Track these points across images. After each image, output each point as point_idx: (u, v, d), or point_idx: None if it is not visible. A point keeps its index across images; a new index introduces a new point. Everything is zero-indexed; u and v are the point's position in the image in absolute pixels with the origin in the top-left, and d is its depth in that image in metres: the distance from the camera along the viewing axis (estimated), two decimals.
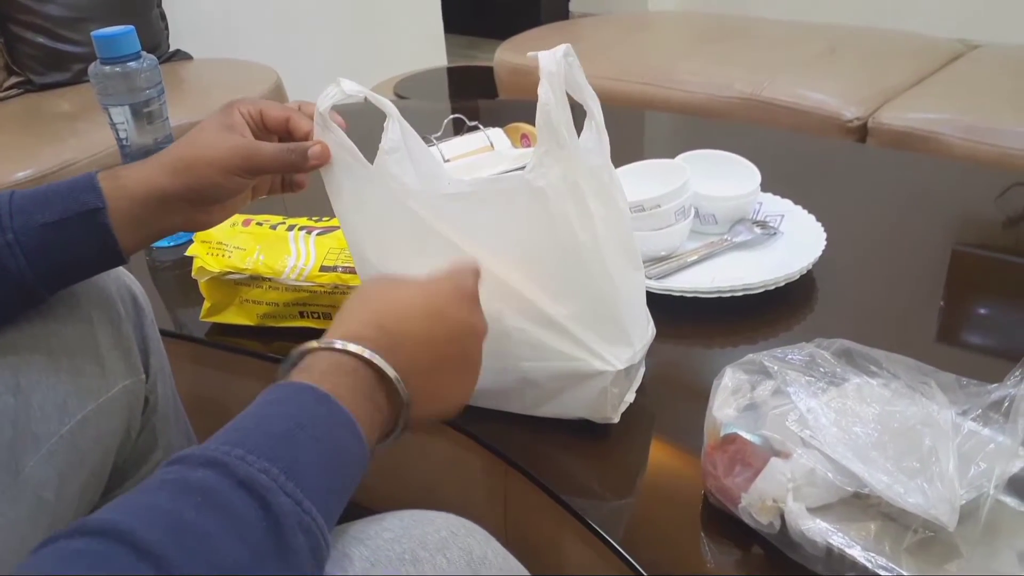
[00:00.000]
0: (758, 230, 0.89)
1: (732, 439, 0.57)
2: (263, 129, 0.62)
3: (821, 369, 0.57)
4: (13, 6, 1.83)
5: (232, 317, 0.83)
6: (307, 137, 0.61)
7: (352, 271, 0.78)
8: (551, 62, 0.59)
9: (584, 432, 0.66)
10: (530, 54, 0.59)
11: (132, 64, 0.94)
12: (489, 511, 0.75)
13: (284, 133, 0.63)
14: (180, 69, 2.05)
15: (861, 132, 1.45)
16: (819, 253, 0.83)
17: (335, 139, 0.61)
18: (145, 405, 0.70)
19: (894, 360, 0.57)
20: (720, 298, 0.79)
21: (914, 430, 0.52)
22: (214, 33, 2.26)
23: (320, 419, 0.41)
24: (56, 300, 0.60)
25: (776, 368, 0.56)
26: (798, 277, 0.81)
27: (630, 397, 0.67)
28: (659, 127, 1.43)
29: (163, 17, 2.09)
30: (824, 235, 0.85)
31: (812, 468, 0.51)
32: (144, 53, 0.96)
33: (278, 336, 0.83)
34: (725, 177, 0.92)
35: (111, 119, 0.96)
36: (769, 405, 0.56)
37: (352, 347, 0.45)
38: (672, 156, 0.93)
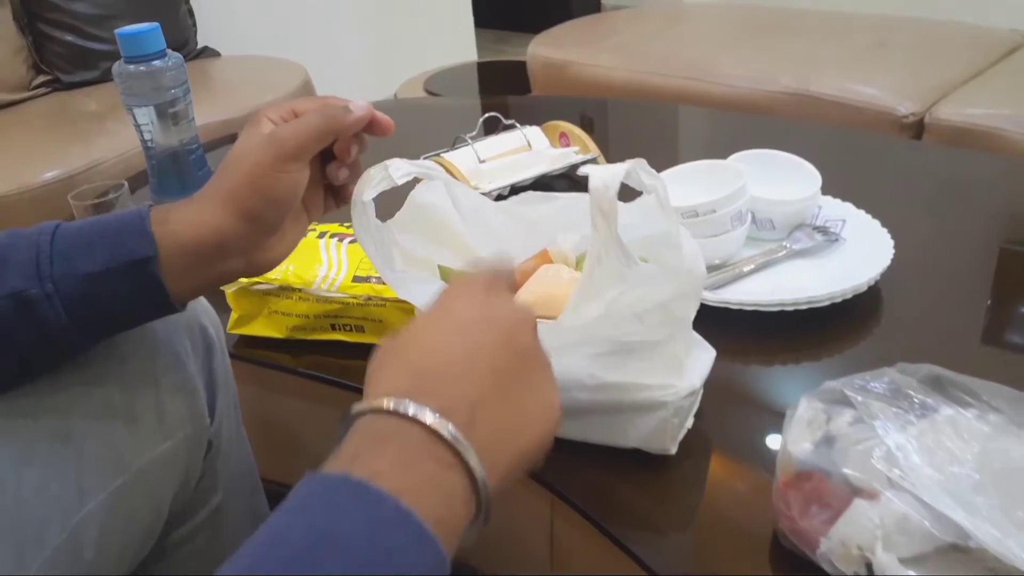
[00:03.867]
0: (819, 236, 0.83)
1: (808, 475, 0.51)
2: None
3: (908, 399, 0.51)
4: (41, 4, 1.82)
5: (260, 329, 0.79)
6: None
7: None
8: (603, 192, 0.48)
9: (638, 461, 0.61)
10: (582, 170, 0.51)
11: (157, 63, 0.90)
12: (534, 546, 0.70)
13: None
14: (208, 66, 2.02)
15: (917, 128, 1.38)
16: (888, 262, 0.76)
17: (383, 238, 0.56)
18: (208, 449, 0.64)
19: (992, 389, 0.51)
20: (782, 311, 0.73)
21: (1021, 472, 0.46)
22: (242, 30, 2.23)
23: (352, 520, 0.31)
24: (116, 336, 0.54)
25: (860, 399, 0.51)
26: (866, 289, 0.75)
27: (688, 423, 0.62)
28: (702, 124, 1.36)
29: (191, 14, 2.06)
30: (891, 242, 0.79)
31: (904, 514, 0.46)
32: (170, 51, 0.92)
33: (309, 349, 0.79)
34: (782, 179, 0.86)
35: (135, 120, 0.93)
36: (850, 439, 0.51)
37: (380, 403, 0.36)
38: (718, 155, 0.87)
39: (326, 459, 0.35)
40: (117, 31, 0.89)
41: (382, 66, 2.51)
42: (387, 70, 2.44)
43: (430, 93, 2.14)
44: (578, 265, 0.64)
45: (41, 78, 1.88)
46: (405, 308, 0.73)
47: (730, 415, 0.66)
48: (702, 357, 0.62)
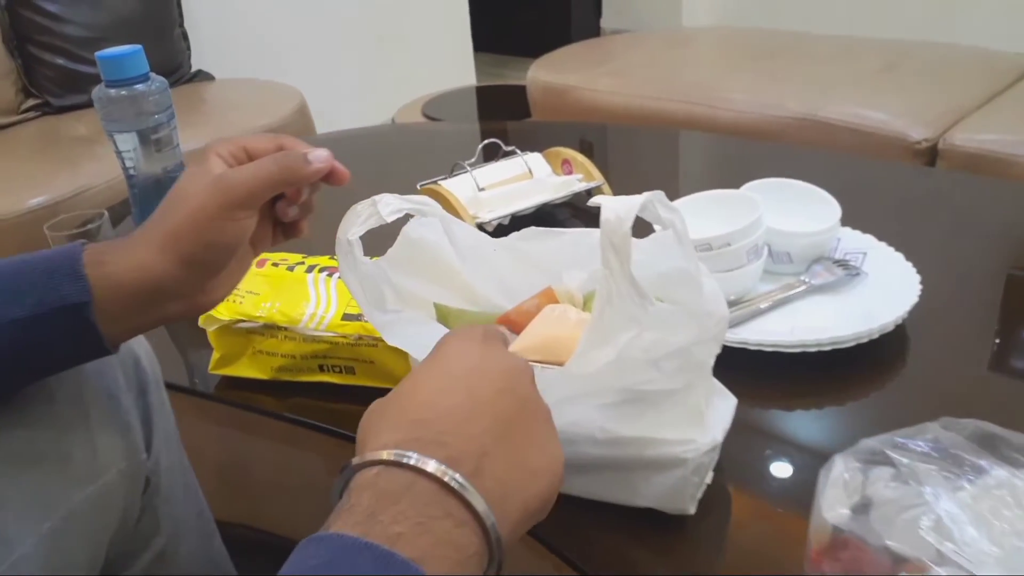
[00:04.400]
0: (840, 270, 0.78)
1: (844, 543, 0.46)
2: None
3: (957, 460, 0.46)
4: (31, 27, 1.78)
5: (244, 370, 0.74)
6: None
7: None
8: (616, 226, 0.44)
9: (652, 521, 0.55)
10: (592, 201, 0.46)
11: (140, 87, 0.86)
12: None
13: None
14: (201, 90, 1.99)
15: (930, 155, 1.33)
16: (915, 298, 0.71)
17: (372, 276, 0.52)
18: (146, 486, 0.60)
19: None
20: (804, 352, 0.68)
21: None
22: (237, 53, 2.19)
23: None
24: None
25: (904, 461, 0.45)
26: (893, 328, 0.70)
27: (708, 479, 0.56)
28: (708, 150, 1.32)
29: (185, 37, 2.03)
30: (917, 276, 0.74)
31: None
32: (153, 75, 0.87)
33: (295, 391, 0.74)
34: (798, 209, 0.81)
35: (116, 147, 0.88)
36: (893, 505, 0.45)
37: (379, 455, 0.34)
38: (727, 183, 0.82)
39: (330, 514, 0.34)
40: (98, 54, 0.85)
41: (379, 90, 2.48)
42: (384, 94, 2.41)
43: (428, 118, 2.11)
44: (586, 305, 0.59)
45: (30, 101, 1.84)
46: (398, 349, 0.68)
47: (752, 468, 0.61)
48: (722, 406, 0.56)
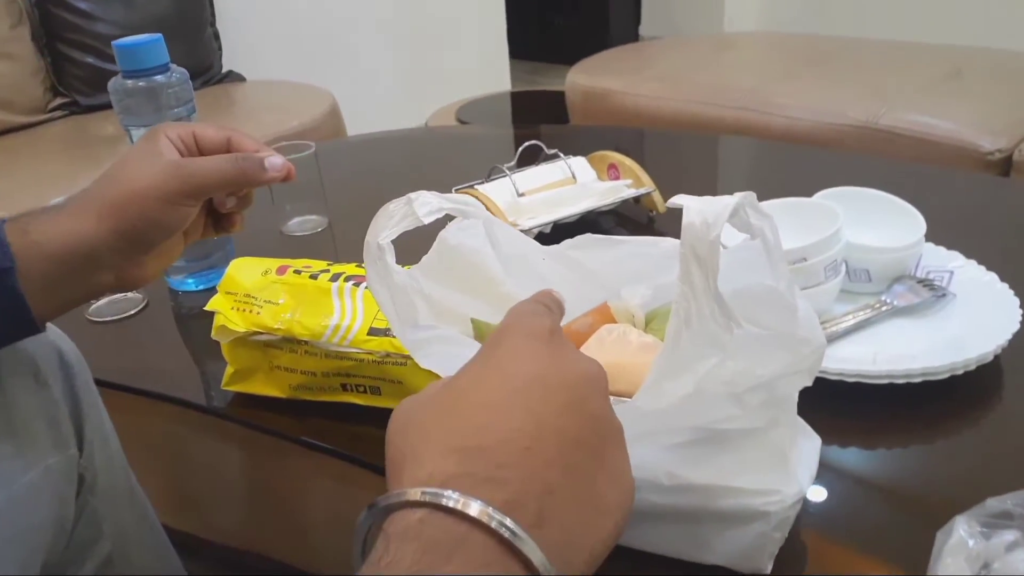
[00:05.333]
0: (925, 291, 0.69)
1: None
2: (198, 155, 0.53)
3: None
4: (61, 25, 1.75)
5: (259, 387, 0.67)
6: None
7: None
8: (703, 233, 0.36)
9: None
10: (673, 201, 0.39)
11: (159, 78, 0.80)
12: None
13: None
14: (232, 91, 1.94)
15: (1003, 166, 1.24)
16: (1016, 325, 0.63)
17: (403, 288, 0.46)
18: (80, 485, 0.55)
19: None
20: (891, 384, 0.59)
21: None
22: (269, 54, 2.15)
23: None
24: None
25: None
26: (992, 358, 0.61)
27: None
28: (763, 157, 1.23)
29: (217, 37, 1.99)
30: (1016, 300, 0.66)
31: None
32: (173, 66, 0.82)
33: (315, 412, 0.67)
34: (875, 222, 0.73)
35: (133, 143, 0.82)
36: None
37: (422, 496, 0.28)
38: (788, 192, 0.74)
39: (358, 559, 0.29)
40: (115, 43, 0.79)
41: (412, 95, 2.42)
42: (418, 99, 2.35)
43: (462, 122, 2.05)
44: (648, 327, 0.51)
45: (59, 100, 1.81)
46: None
47: (834, 520, 0.53)
48: (807, 448, 0.48)
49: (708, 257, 0.37)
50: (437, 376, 0.49)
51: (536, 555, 0.27)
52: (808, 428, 0.50)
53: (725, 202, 0.38)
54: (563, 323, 0.54)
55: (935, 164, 1.27)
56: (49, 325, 0.56)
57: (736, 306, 0.42)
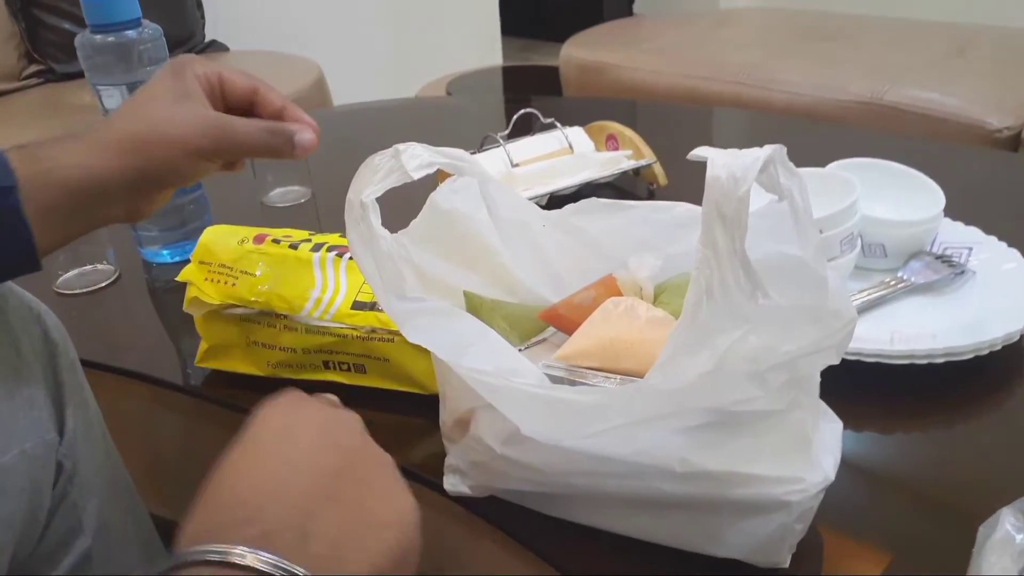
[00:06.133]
0: (943, 268, 0.66)
1: None
2: (221, 100, 0.51)
3: None
4: None
5: (235, 364, 0.63)
6: (278, 116, 0.51)
7: None
8: (730, 189, 0.33)
9: (730, 572, 0.44)
10: (695, 153, 0.36)
11: (130, 33, 0.75)
12: None
13: (247, 109, 0.52)
14: (215, 60, 1.88)
15: (1011, 144, 1.20)
16: None
17: (389, 254, 0.43)
18: (59, 474, 0.51)
19: None
20: (912, 365, 0.56)
21: None
22: (253, 23, 2.08)
23: None
24: None
25: None
26: (1018, 337, 0.58)
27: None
28: (766, 131, 1.18)
29: (199, 5, 1.92)
30: None
31: None
32: (146, 21, 0.76)
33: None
34: (890, 196, 0.69)
35: (102, 104, 0.77)
36: None
37: (177, 558, 0.28)
38: (800, 165, 0.69)
39: None
40: None
41: (401, 68, 2.36)
42: (407, 73, 2.29)
43: (452, 95, 1.99)
44: (657, 300, 0.47)
45: (33, 67, 1.74)
46: (419, 346, 0.57)
47: (852, 508, 0.49)
48: (828, 432, 0.44)
49: (735, 216, 0.33)
50: (427, 352, 0.45)
51: (299, 570, 0.28)
52: (829, 411, 0.46)
53: (755, 155, 0.34)
54: (565, 296, 0.50)
55: (941, 141, 1.23)
56: (33, 298, 0.53)
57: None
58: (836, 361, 0.40)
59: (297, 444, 0.33)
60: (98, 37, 0.74)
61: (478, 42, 2.62)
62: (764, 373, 0.37)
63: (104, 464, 0.56)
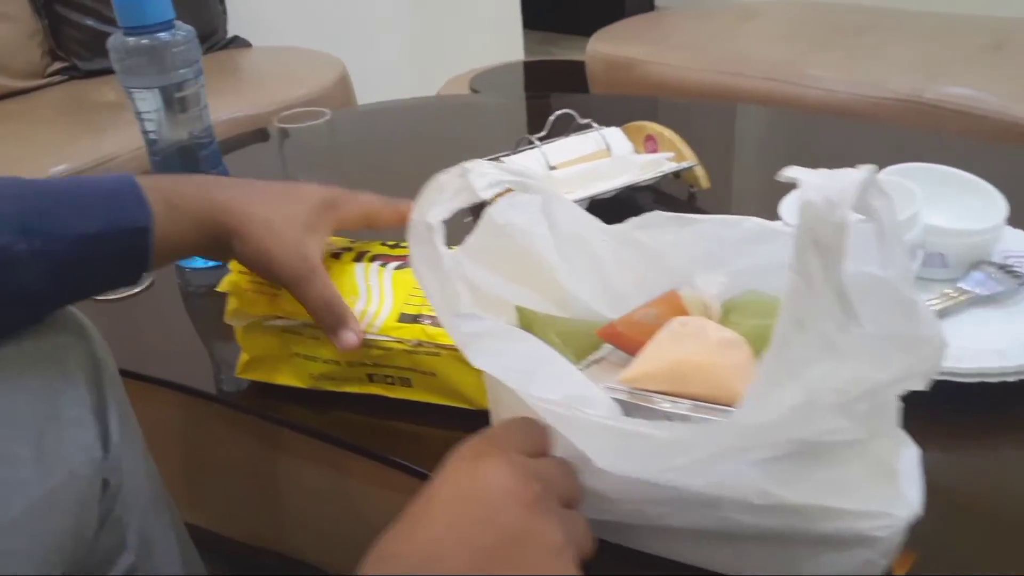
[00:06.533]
0: (1009, 279, 0.63)
1: None
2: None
3: None
4: None
5: (277, 376, 0.61)
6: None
7: None
8: (825, 215, 0.31)
9: None
10: (785, 173, 0.34)
11: (163, 35, 0.73)
12: None
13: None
14: (237, 57, 1.87)
15: None
16: None
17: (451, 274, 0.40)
18: (103, 491, 0.51)
19: None
20: (983, 384, 0.53)
21: None
22: (275, 19, 2.07)
23: None
24: None
25: None
26: None
27: None
28: (806, 131, 1.14)
29: (221, 1, 1.91)
30: None
31: None
32: (179, 23, 0.75)
33: (338, 403, 0.61)
34: (947, 202, 0.66)
35: (135, 107, 0.76)
36: None
37: None
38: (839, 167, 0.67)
39: None
40: None
41: (423, 64, 2.34)
42: (428, 68, 2.27)
43: (475, 92, 1.97)
44: (724, 319, 0.45)
45: (57, 64, 1.73)
46: (464, 358, 0.55)
47: (931, 537, 0.47)
48: (907, 459, 0.42)
49: (833, 243, 0.31)
50: (478, 374, 0.43)
51: None
52: (907, 437, 0.44)
53: (851, 177, 0.32)
54: (622, 312, 0.48)
55: (982, 140, 1.20)
56: (77, 311, 0.53)
57: None
58: (922, 387, 0.38)
59: (466, 514, 0.34)
60: (131, 39, 0.73)
61: (499, 37, 2.60)
62: (850, 404, 0.35)
63: (145, 478, 0.56)
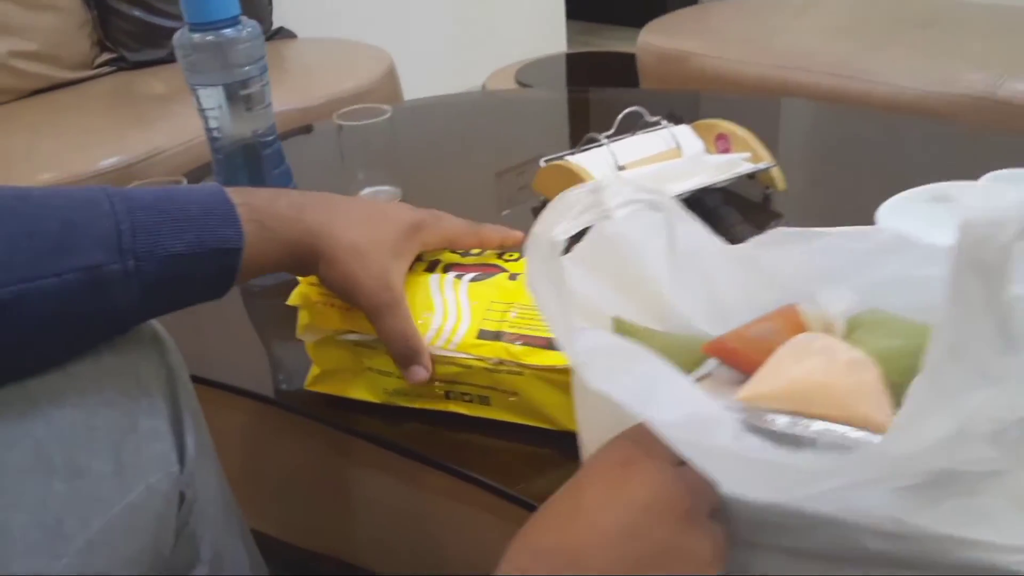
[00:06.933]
0: None
1: None
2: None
3: None
4: None
5: (348, 390, 0.59)
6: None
7: (531, 342, 0.52)
8: (989, 236, 0.29)
9: None
10: (936, 192, 0.31)
11: (228, 32, 0.71)
12: None
13: None
14: (283, 48, 1.85)
15: None
16: None
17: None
18: (180, 504, 0.49)
19: None
20: None
21: None
22: (321, 11, 2.05)
23: None
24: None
25: None
26: None
27: None
28: (890, 130, 1.08)
29: None
30: None
31: None
32: (244, 18, 0.73)
33: (409, 414, 0.59)
34: None
35: (199, 103, 0.74)
36: None
37: None
38: (939, 174, 0.63)
39: None
40: None
41: (467, 55, 2.32)
42: (473, 59, 2.25)
43: (523, 85, 1.94)
44: (848, 337, 0.42)
45: (105, 55, 1.73)
46: (549, 379, 0.52)
47: None
48: None
49: (995, 268, 0.28)
50: (560, 386, 0.40)
51: None
52: None
53: (1013, 196, 0.29)
54: (725, 328, 0.45)
55: None
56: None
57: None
58: None
59: (612, 521, 0.33)
60: (196, 36, 0.71)
61: (542, 28, 2.57)
62: (1000, 433, 0.32)
63: (218, 489, 0.54)
